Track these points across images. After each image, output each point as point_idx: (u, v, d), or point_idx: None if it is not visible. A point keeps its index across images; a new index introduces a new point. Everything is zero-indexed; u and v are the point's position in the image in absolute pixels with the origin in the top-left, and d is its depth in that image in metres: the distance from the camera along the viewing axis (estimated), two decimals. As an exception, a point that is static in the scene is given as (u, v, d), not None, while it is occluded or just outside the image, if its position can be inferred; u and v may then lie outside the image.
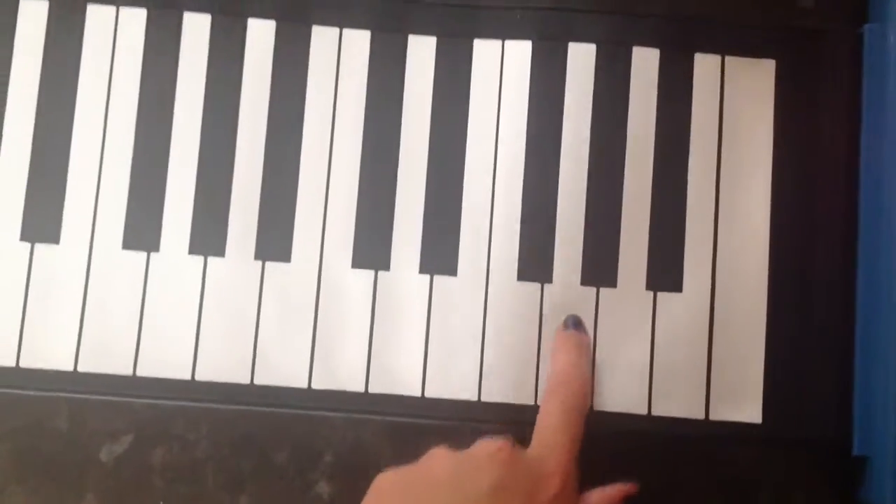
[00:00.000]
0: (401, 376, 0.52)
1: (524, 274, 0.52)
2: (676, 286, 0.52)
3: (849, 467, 0.51)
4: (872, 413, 0.50)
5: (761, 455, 0.51)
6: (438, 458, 0.45)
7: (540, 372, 0.52)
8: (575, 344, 0.50)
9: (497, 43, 0.54)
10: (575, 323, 0.51)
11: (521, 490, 0.43)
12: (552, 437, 0.46)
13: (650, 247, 0.52)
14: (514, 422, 0.51)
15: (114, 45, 0.54)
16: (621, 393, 0.52)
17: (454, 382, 0.52)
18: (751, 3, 0.54)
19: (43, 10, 0.54)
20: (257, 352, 0.52)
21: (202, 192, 0.53)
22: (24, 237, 0.53)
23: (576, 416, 0.47)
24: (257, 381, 0.52)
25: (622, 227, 0.53)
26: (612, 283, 0.52)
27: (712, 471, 0.51)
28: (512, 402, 0.52)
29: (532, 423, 0.49)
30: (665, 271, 0.52)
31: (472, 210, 0.53)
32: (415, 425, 0.52)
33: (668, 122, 0.53)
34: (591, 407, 0.51)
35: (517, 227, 0.53)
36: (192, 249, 0.53)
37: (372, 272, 0.53)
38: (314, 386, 0.52)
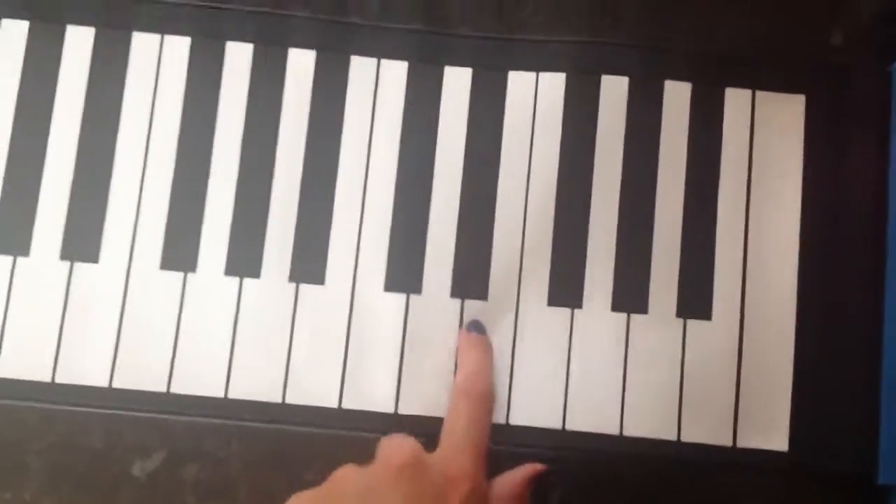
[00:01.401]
0: (428, 398, 0.61)
1: (555, 299, 0.62)
2: (706, 314, 0.62)
3: (873, 496, 0.60)
4: (899, 442, 0.59)
5: (787, 483, 0.60)
6: (347, 477, 0.51)
7: (568, 396, 0.61)
8: (478, 346, 0.59)
9: (531, 75, 0.65)
10: (477, 326, 0.61)
11: (430, 499, 0.50)
12: (459, 438, 0.54)
13: (680, 275, 0.62)
14: (542, 446, 0.60)
15: (158, 70, 0.65)
16: (650, 419, 0.60)
17: (483, 405, 0.61)
18: (782, 40, 0.64)
19: (89, 35, 0.64)
20: (289, 371, 0.62)
21: (239, 214, 0.63)
22: (63, 256, 0.63)
23: (482, 416, 0.55)
24: (289, 400, 0.61)
25: (653, 255, 0.62)
26: (644, 309, 0.62)
27: (738, 498, 0.60)
28: (540, 426, 0.61)
29: (560, 448, 0.58)
30: (695, 299, 0.62)
31: (504, 237, 0.62)
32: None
33: (699, 154, 0.63)
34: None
35: (549, 253, 0.62)
36: (228, 271, 0.63)
37: (404, 296, 0.63)
38: (345, 406, 0.61)
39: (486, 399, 0.57)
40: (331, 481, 0.52)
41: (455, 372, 0.60)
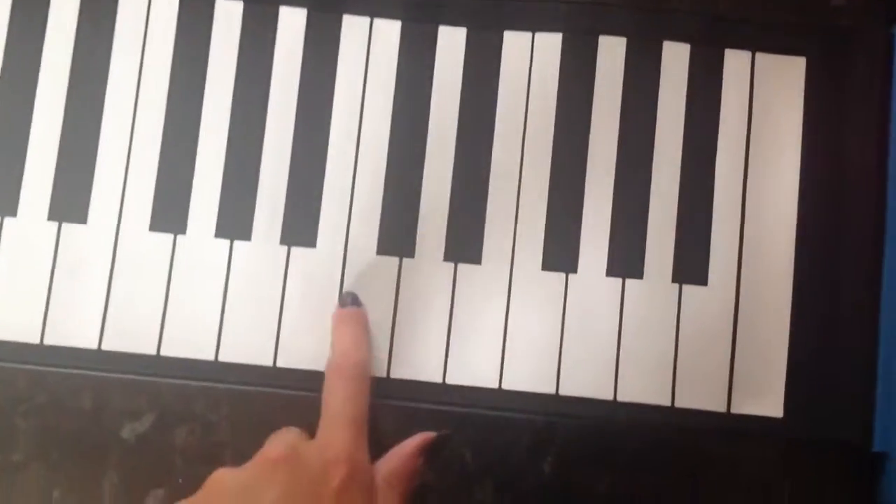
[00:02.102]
0: (423, 363, 0.61)
1: (549, 264, 0.61)
2: (702, 280, 0.61)
3: (869, 463, 0.59)
4: (893, 409, 0.59)
5: (782, 448, 0.60)
6: (222, 478, 0.51)
7: (562, 361, 0.61)
8: (353, 320, 0.58)
9: (527, 35, 0.64)
10: (353, 300, 0.60)
11: (306, 492, 0.49)
12: (337, 417, 0.53)
13: (677, 240, 0.62)
14: (536, 412, 0.60)
15: (146, 29, 0.64)
16: (645, 384, 0.60)
17: (476, 370, 0.60)
18: (782, 1, 0.64)
19: (76, -4, 0.64)
20: (280, 335, 0.61)
21: (230, 176, 0.63)
22: (51, 217, 0.62)
23: (359, 394, 0.54)
24: (280, 364, 0.61)
25: (649, 219, 0.62)
26: (639, 274, 0.62)
27: (733, 463, 0.60)
28: (534, 390, 0.60)
29: (553, 413, 0.58)
30: (691, 265, 0.61)
31: (499, 200, 0.62)
32: (435, 412, 0.61)
33: (697, 116, 0.63)
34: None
35: (543, 216, 0.62)
36: (219, 233, 0.62)
37: (396, 259, 0.62)
38: (337, 370, 0.61)
39: (362, 375, 0.56)
40: (206, 486, 0.51)
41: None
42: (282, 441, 0.52)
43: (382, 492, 0.52)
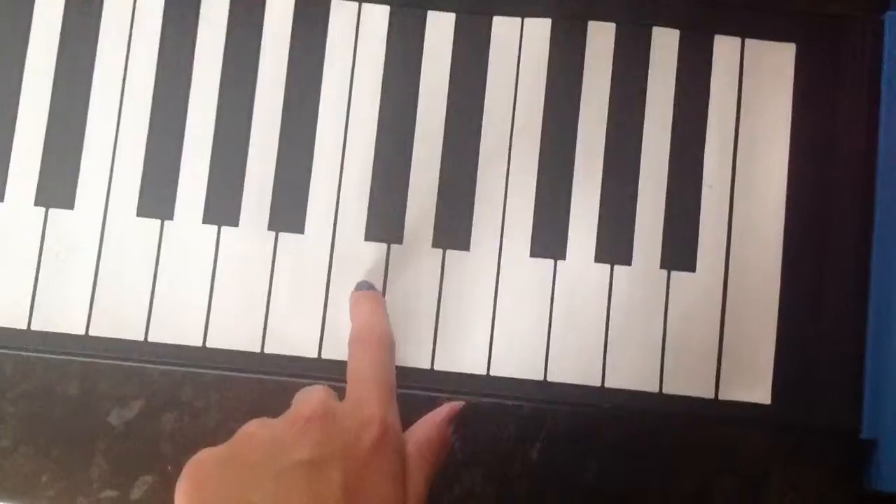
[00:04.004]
0: (411, 349, 0.61)
1: (537, 250, 0.62)
2: (690, 266, 0.62)
3: (857, 450, 0.60)
4: (882, 396, 0.59)
5: (770, 436, 0.61)
6: (251, 435, 0.50)
7: (550, 348, 0.61)
8: (370, 298, 0.58)
9: (516, 20, 0.64)
10: (367, 285, 0.60)
11: (339, 453, 0.48)
12: (365, 382, 0.52)
13: (665, 226, 0.62)
14: (522, 398, 0.60)
15: (133, 13, 0.64)
16: (633, 371, 0.61)
17: (464, 356, 0.61)
18: (772, -13, 0.64)
19: (64, -23, 0.64)
20: (268, 321, 0.62)
21: (217, 161, 0.63)
22: (38, 202, 0.62)
23: (385, 361, 0.54)
24: (268, 350, 0.61)
25: (638, 205, 0.62)
26: (627, 261, 0.62)
27: (721, 450, 0.61)
28: (521, 377, 0.61)
29: (541, 399, 0.59)
30: (679, 251, 0.62)
31: (487, 186, 0.62)
32: (424, 398, 0.61)
33: (687, 102, 0.63)
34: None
35: (532, 203, 0.62)
36: (206, 219, 0.62)
37: (384, 245, 0.63)
38: (324, 356, 0.61)
39: (385, 342, 0.55)
40: (237, 437, 0.50)
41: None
42: (314, 399, 0.51)
43: (413, 460, 0.52)
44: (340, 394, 0.51)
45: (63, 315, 0.61)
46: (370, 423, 0.49)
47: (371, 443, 0.49)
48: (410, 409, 0.59)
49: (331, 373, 0.61)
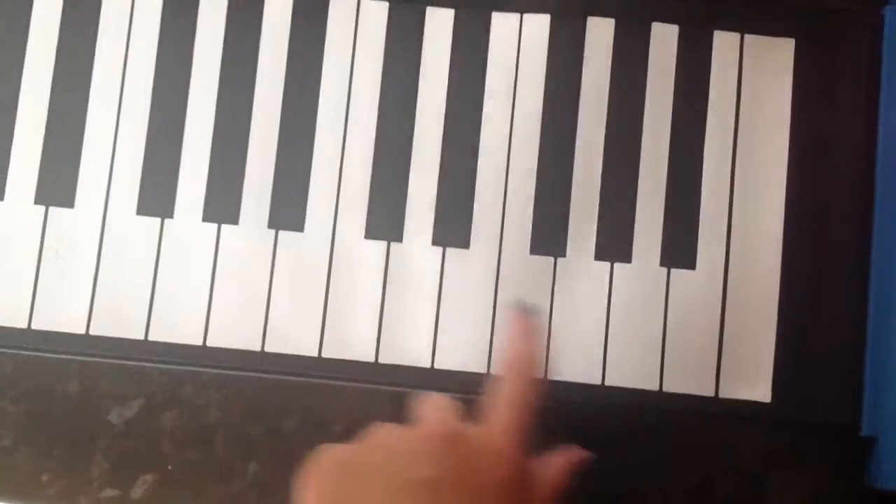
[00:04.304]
0: (410, 347, 0.61)
1: (537, 247, 0.62)
2: (690, 263, 0.62)
3: (857, 448, 0.60)
4: (882, 394, 0.59)
5: (770, 434, 0.61)
6: (380, 440, 0.50)
7: (550, 346, 0.61)
8: (529, 325, 0.57)
9: (515, 16, 0.64)
10: (531, 309, 0.60)
11: (464, 479, 0.47)
12: (503, 416, 0.52)
13: (665, 224, 0.62)
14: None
15: (132, 13, 0.64)
16: (633, 368, 0.61)
17: (464, 355, 0.61)
18: (772, -18, 0.64)
19: (63, -25, 0.64)
20: (269, 319, 0.62)
21: (217, 160, 0.63)
22: (38, 200, 0.62)
23: (528, 394, 0.53)
24: (268, 349, 0.61)
25: (637, 203, 0.62)
26: (627, 258, 0.62)
27: (721, 448, 0.61)
28: (522, 375, 0.61)
29: (546, 399, 0.58)
30: (679, 248, 0.62)
31: (487, 183, 0.62)
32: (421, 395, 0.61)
33: (686, 98, 0.63)
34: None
35: (531, 200, 0.62)
36: (206, 217, 0.63)
37: (385, 243, 0.62)
38: (324, 355, 0.61)
39: (533, 381, 0.54)
40: (364, 443, 0.50)
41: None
42: (446, 417, 0.50)
43: (531, 500, 0.51)
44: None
45: (63, 314, 0.61)
46: (500, 459, 0.49)
47: (497, 477, 0.48)
48: (407, 408, 0.59)
49: (331, 372, 0.61)
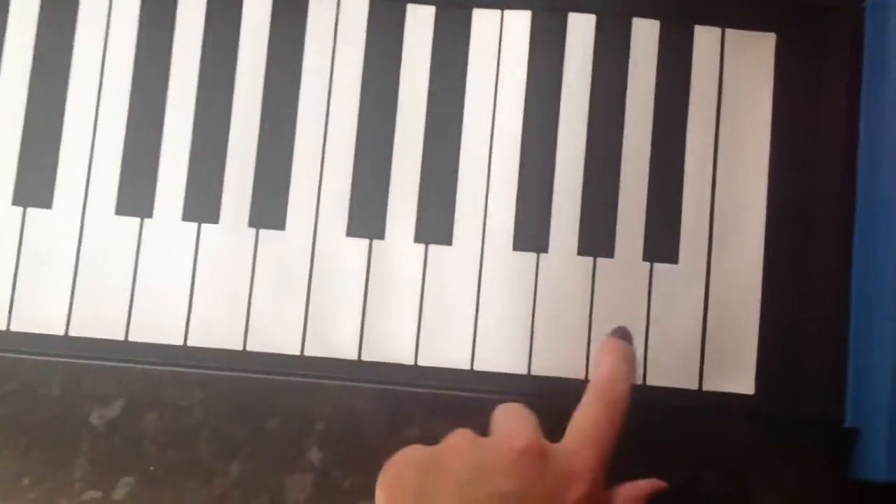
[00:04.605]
0: (394, 344, 0.61)
1: (520, 244, 0.62)
2: (673, 258, 0.62)
3: (840, 440, 0.60)
4: (865, 385, 0.59)
5: (753, 426, 0.61)
6: (460, 448, 0.50)
7: (534, 342, 0.61)
8: (624, 353, 0.58)
9: (496, 13, 0.64)
10: (623, 334, 0.60)
11: (543, 495, 0.48)
12: (588, 434, 0.53)
13: (647, 218, 0.62)
14: (506, 392, 0.60)
15: (110, 10, 0.64)
16: (616, 364, 0.61)
17: (447, 351, 0.61)
18: (752, -23, 0.64)
19: (39, -25, 0.64)
20: (250, 318, 0.61)
21: (196, 158, 0.62)
22: (16, 201, 0.62)
23: (615, 418, 0.54)
24: (250, 348, 0.61)
25: (620, 198, 0.62)
26: (609, 253, 0.62)
27: (704, 441, 0.61)
28: (505, 371, 0.61)
29: (526, 394, 0.59)
30: (662, 243, 0.62)
31: (469, 180, 0.62)
32: (407, 394, 0.61)
33: (667, 94, 0.63)
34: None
35: (514, 197, 0.62)
36: (186, 216, 0.62)
37: (367, 241, 0.62)
38: (307, 353, 0.61)
39: (620, 404, 0.55)
40: (444, 448, 0.51)
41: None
42: (528, 432, 0.51)
43: None
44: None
45: (42, 316, 0.61)
46: (581, 478, 0.50)
47: (576, 496, 0.49)
48: (393, 407, 0.59)
49: (314, 371, 0.61)
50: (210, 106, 0.62)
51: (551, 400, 0.59)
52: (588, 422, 0.54)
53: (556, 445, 0.52)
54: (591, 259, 0.61)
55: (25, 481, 0.60)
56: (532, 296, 0.61)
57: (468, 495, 0.48)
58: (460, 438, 0.51)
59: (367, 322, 0.61)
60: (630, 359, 0.58)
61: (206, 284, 0.61)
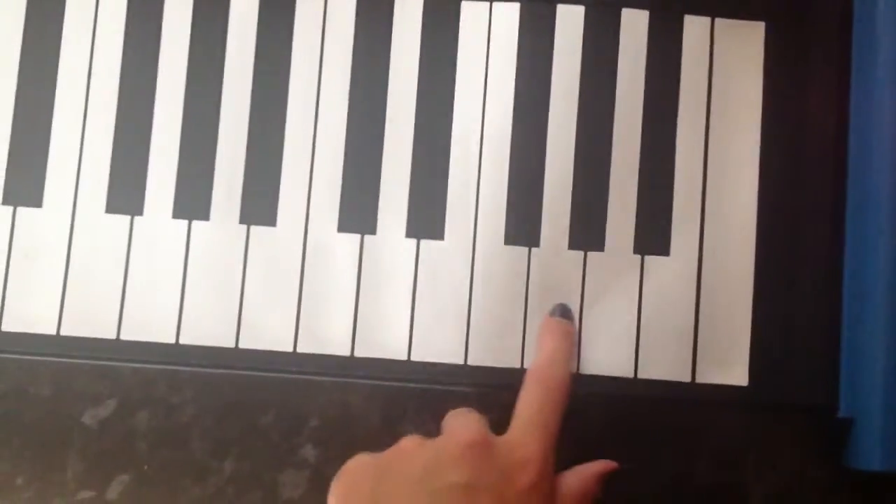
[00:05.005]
0: (387, 340, 0.61)
1: (511, 238, 0.62)
2: (664, 250, 0.62)
3: (834, 429, 0.60)
4: (858, 375, 0.59)
5: (747, 417, 0.61)
6: (411, 450, 0.51)
7: (526, 336, 0.61)
8: (562, 332, 0.59)
9: (485, 5, 0.63)
10: (563, 311, 0.60)
11: (493, 485, 0.49)
12: (531, 421, 0.53)
13: (638, 210, 0.62)
14: (500, 386, 0.60)
15: (97, 7, 0.63)
16: (608, 356, 0.61)
17: (440, 346, 0.61)
18: (741, -34, 0.64)
19: (26, -27, 0.63)
20: (242, 315, 0.61)
21: (186, 155, 0.62)
22: (5, 201, 0.62)
23: (556, 404, 0.54)
24: (242, 345, 0.61)
25: (610, 190, 0.62)
26: (600, 246, 0.62)
27: (698, 433, 0.61)
28: (498, 365, 0.61)
29: (518, 388, 0.58)
30: (653, 235, 0.62)
31: (460, 174, 0.62)
32: (401, 389, 0.61)
33: (657, 84, 0.63)
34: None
35: (504, 190, 0.62)
36: (176, 213, 0.62)
37: (358, 236, 0.62)
38: (299, 350, 0.61)
39: (561, 387, 0.55)
40: (394, 452, 0.51)
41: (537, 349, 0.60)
42: (473, 426, 0.51)
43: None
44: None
45: (33, 315, 0.61)
46: (528, 464, 0.50)
47: (525, 484, 0.50)
48: (386, 402, 0.59)
49: (307, 367, 0.61)
50: (199, 103, 0.62)
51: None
52: (531, 408, 0.54)
53: (501, 437, 0.52)
54: (581, 252, 0.61)
55: (19, 481, 0.60)
56: (524, 290, 0.61)
57: (420, 493, 0.48)
58: (409, 441, 0.52)
59: (360, 318, 0.61)
60: (570, 338, 0.59)
61: (197, 282, 0.61)
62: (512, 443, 0.52)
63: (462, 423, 0.52)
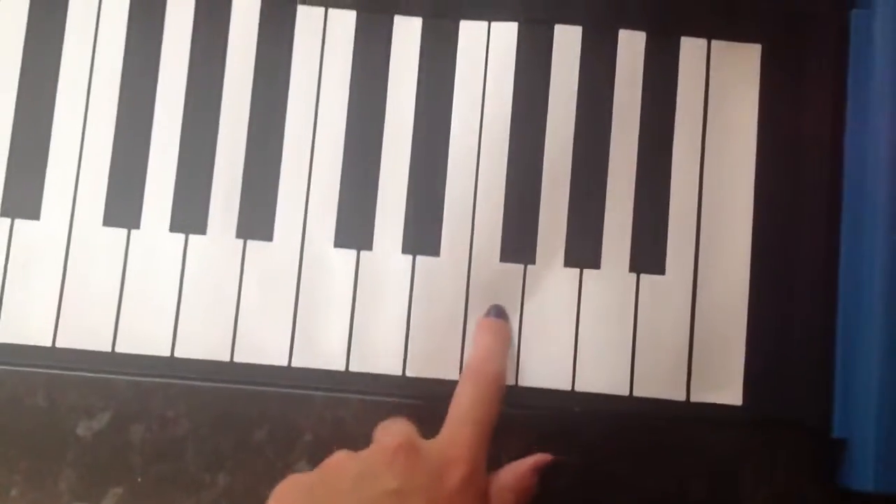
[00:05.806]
0: (382, 355, 0.61)
1: (507, 255, 0.62)
2: (659, 269, 0.62)
3: (828, 450, 0.60)
4: (852, 396, 0.59)
5: (742, 437, 0.61)
6: (339, 464, 0.52)
7: (521, 353, 0.61)
8: (495, 331, 0.59)
9: (483, 24, 0.64)
10: (497, 312, 0.61)
11: (423, 487, 0.50)
12: (462, 421, 0.54)
13: (634, 229, 0.62)
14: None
15: (97, 19, 0.64)
16: (603, 374, 0.61)
17: (435, 362, 0.61)
18: (737, -13, 0.64)
19: (27, -15, 0.64)
20: (238, 329, 0.61)
21: (184, 169, 0.63)
22: (3, 213, 0.62)
23: (489, 401, 0.55)
24: (237, 359, 0.61)
25: (606, 209, 0.62)
26: (596, 264, 0.62)
27: (693, 452, 0.61)
28: (493, 382, 0.61)
29: (515, 405, 0.59)
30: (648, 254, 0.62)
31: (456, 191, 0.62)
32: (395, 404, 0.61)
33: (654, 105, 0.63)
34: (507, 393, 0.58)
35: (501, 208, 0.62)
36: (174, 227, 0.62)
37: (354, 252, 0.62)
38: (294, 364, 0.61)
39: (494, 384, 0.56)
40: (324, 467, 0.52)
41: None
42: (400, 431, 0.52)
43: (494, 502, 0.53)
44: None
45: (29, 327, 0.61)
46: (457, 463, 0.51)
47: (456, 482, 0.50)
48: (380, 417, 0.59)
49: (301, 381, 0.61)
50: (197, 117, 0.63)
51: (537, 410, 0.59)
52: (463, 406, 0.55)
53: (430, 440, 0.53)
54: (577, 270, 0.61)
55: (13, 493, 0.60)
56: (519, 307, 0.61)
57: (356, 501, 0.49)
58: (338, 455, 0.52)
59: (355, 333, 0.61)
60: (504, 336, 0.59)
61: (193, 295, 0.61)
62: (442, 443, 0.53)
63: (389, 431, 0.53)
